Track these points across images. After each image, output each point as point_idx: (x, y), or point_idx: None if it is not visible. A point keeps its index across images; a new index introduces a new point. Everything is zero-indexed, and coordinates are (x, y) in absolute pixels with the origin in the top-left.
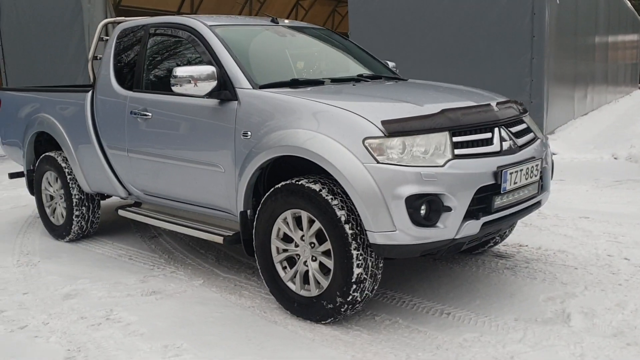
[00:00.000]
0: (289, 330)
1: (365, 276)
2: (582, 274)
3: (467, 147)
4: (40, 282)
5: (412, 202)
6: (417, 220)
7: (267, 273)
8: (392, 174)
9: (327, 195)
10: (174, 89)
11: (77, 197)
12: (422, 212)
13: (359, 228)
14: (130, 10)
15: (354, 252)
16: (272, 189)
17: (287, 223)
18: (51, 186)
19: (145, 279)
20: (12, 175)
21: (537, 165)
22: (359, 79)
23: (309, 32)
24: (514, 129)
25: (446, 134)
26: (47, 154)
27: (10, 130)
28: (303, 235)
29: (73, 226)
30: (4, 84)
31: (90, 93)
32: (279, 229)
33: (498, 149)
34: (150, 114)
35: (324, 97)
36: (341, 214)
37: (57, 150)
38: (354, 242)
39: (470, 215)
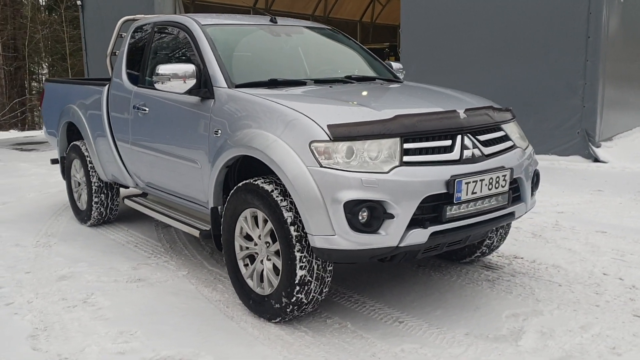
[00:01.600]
0: (240, 326)
1: (310, 278)
2: (563, 291)
3: (420, 154)
4: (45, 263)
5: (351, 208)
6: (356, 226)
7: (231, 268)
8: (333, 178)
9: (277, 197)
10: (156, 86)
11: (96, 184)
12: (362, 218)
13: (304, 231)
14: (205, 6)
15: (298, 254)
16: (235, 187)
17: (247, 221)
18: (78, 173)
19: (138, 267)
20: (53, 161)
21: (504, 176)
22: (345, 80)
23: (309, 32)
24: (483, 137)
25: (397, 140)
26: (74, 142)
27: (50, 119)
28: (260, 235)
29: (93, 212)
30: (86, 75)
31: (107, 86)
32: (242, 227)
33: (457, 157)
34: (147, 109)
35: (287, 99)
36: (288, 215)
37: (82, 140)
38: (298, 244)
39: (416, 223)
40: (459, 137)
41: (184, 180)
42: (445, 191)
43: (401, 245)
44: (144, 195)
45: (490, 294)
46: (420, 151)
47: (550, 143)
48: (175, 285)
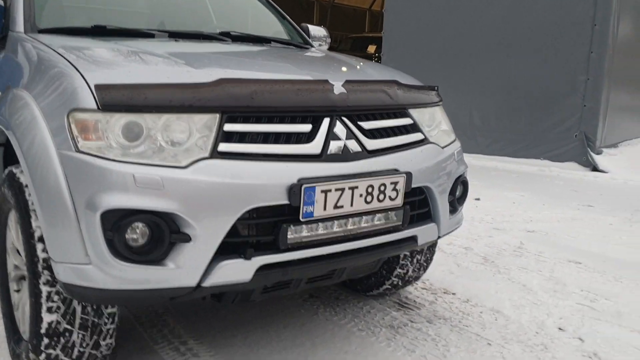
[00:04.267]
0: None
1: (69, 327)
2: (491, 355)
3: (252, 142)
4: None
5: (115, 222)
6: (122, 252)
7: (3, 292)
8: (89, 172)
9: (29, 196)
10: None
11: None
12: (133, 239)
13: None
14: None
15: (44, 289)
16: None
17: (12, 228)
18: None
19: None
20: None
21: (395, 183)
22: (219, 37)
23: None
24: (370, 124)
25: (214, 117)
26: None
27: None
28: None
29: None
30: None
31: None
32: (12, 237)
33: (317, 150)
34: None
35: (80, 49)
36: (37, 226)
37: None
38: (45, 272)
39: (232, 251)
40: (325, 121)
41: None
42: (286, 202)
43: (205, 285)
44: None
45: (382, 351)
46: (253, 138)
47: (543, 146)
48: None
